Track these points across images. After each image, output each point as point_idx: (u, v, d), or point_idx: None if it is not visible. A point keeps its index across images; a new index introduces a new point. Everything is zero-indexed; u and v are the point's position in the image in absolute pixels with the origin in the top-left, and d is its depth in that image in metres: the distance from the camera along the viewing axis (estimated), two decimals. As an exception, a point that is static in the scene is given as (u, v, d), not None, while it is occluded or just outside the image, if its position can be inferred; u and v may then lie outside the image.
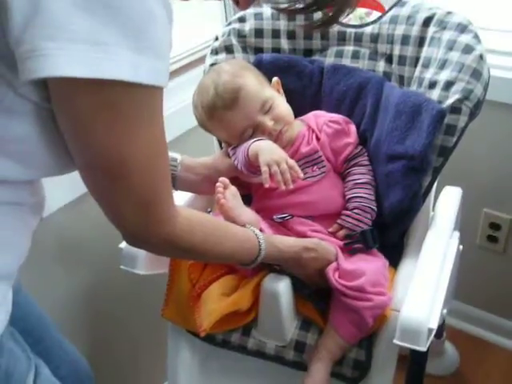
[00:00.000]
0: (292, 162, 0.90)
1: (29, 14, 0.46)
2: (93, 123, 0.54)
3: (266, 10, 1.15)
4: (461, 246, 1.08)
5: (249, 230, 0.86)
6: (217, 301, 0.95)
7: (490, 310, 1.57)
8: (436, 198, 1.05)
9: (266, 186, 0.89)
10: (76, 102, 0.52)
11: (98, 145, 0.55)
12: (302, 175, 0.90)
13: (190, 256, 0.87)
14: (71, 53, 0.47)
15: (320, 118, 1.04)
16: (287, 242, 0.90)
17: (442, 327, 1.41)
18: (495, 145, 1.37)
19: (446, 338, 1.49)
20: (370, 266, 0.92)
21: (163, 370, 1.10)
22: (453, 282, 1.00)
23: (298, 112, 1.07)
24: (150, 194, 0.62)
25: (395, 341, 0.80)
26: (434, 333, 0.83)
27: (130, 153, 0.57)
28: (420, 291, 0.83)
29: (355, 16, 1.21)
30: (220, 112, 0.97)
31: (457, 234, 1.01)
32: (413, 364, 0.97)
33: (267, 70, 1.09)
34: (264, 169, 0.89)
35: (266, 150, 0.92)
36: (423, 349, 0.79)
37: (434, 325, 0.78)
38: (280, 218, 0.99)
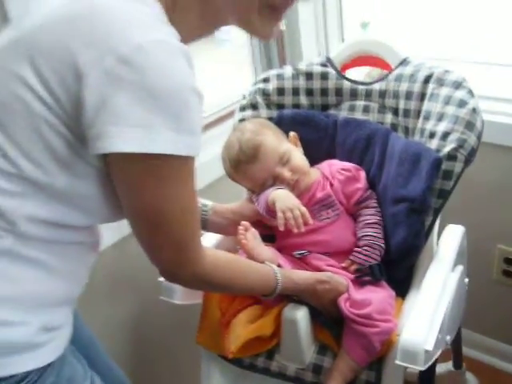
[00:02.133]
0: (304, 209, 1.04)
1: (99, 107, 0.64)
2: (140, 186, 0.70)
3: (287, 71, 1.31)
4: (466, 279, 1.18)
5: (267, 266, 0.99)
6: (243, 327, 1.09)
7: (509, 342, 1.64)
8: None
9: (281, 229, 1.03)
10: (129, 170, 0.69)
11: (143, 201, 0.71)
12: (311, 221, 1.05)
13: (216, 290, 1.03)
14: (127, 135, 0.64)
15: (333, 167, 1.18)
16: (302, 276, 1.03)
17: (459, 358, 1.49)
18: (498, 184, 1.47)
19: (467, 368, 1.56)
20: (378, 296, 1.03)
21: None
22: (457, 311, 1.10)
23: (315, 160, 1.21)
24: (182, 240, 0.77)
25: (397, 361, 0.91)
26: (434, 356, 0.94)
27: (167, 207, 0.72)
28: (418, 317, 0.94)
29: (369, 75, 1.37)
30: (244, 166, 1.13)
31: (460, 268, 1.11)
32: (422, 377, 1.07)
33: (288, 123, 1.24)
34: (279, 215, 1.04)
35: (281, 198, 1.07)
36: (421, 368, 0.90)
37: (430, 347, 0.89)
38: (299, 254, 1.12)
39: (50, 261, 0.74)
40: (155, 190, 0.70)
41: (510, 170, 1.44)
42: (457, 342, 1.40)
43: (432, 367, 1.03)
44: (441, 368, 1.55)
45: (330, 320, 1.06)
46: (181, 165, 0.70)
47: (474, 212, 1.49)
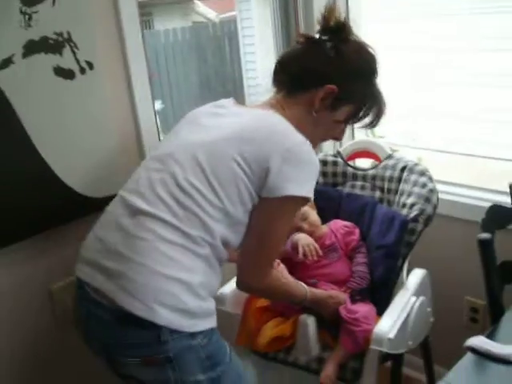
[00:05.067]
0: (316, 245, 1.60)
1: (276, 175, 1.18)
2: (275, 219, 1.23)
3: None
4: (429, 309, 1.66)
5: (300, 285, 1.50)
6: (270, 330, 1.60)
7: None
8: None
9: (301, 256, 1.56)
10: (270, 206, 1.22)
11: (265, 225, 1.23)
12: (321, 253, 1.59)
13: (271, 296, 1.52)
14: (290, 185, 1.20)
15: (338, 224, 1.73)
16: (319, 293, 1.54)
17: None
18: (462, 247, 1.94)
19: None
20: (364, 308, 1.54)
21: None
22: (419, 327, 1.57)
23: (326, 220, 1.76)
24: (270, 259, 1.28)
25: (371, 346, 1.41)
26: (398, 348, 1.42)
27: (276, 234, 1.24)
28: (385, 319, 1.45)
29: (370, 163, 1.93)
30: None
31: (422, 298, 1.59)
32: (393, 365, 1.55)
33: (308, 194, 1.80)
34: (300, 249, 1.59)
35: (302, 238, 1.63)
36: (387, 350, 1.39)
37: (392, 336, 1.39)
38: (312, 281, 1.64)
39: (216, 267, 1.23)
40: (279, 222, 1.23)
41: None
42: (431, 375, 1.85)
43: (399, 360, 1.52)
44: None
45: (331, 324, 1.56)
46: (300, 202, 1.25)
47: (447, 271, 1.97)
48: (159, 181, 1.20)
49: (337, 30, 1.30)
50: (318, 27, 1.33)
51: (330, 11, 1.30)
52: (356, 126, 1.43)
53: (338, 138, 1.42)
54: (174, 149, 1.25)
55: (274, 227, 1.24)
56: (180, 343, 1.13)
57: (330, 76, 1.28)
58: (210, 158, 1.20)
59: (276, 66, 1.37)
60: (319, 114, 1.31)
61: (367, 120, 1.37)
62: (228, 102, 1.35)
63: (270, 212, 1.23)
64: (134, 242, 1.15)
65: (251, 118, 1.28)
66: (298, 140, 1.23)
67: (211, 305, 1.22)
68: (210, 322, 1.20)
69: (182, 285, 1.14)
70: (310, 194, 1.23)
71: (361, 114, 1.35)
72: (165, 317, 1.11)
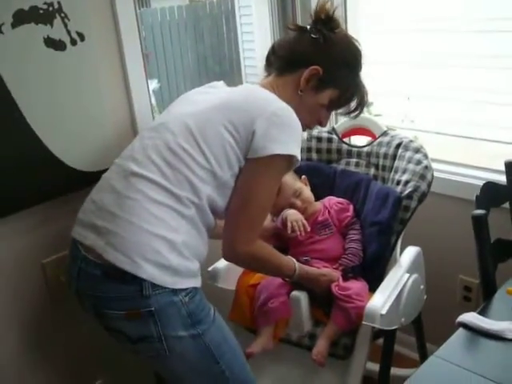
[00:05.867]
0: (305, 221, 1.59)
1: (262, 135, 1.24)
2: (259, 178, 1.27)
3: (304, 136, 1.87)
4: (422, 286, 1.66)
5: (291, 259, 1.49)
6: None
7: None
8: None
9: (289, 231, 1.56)
10: (257, 165, 1.26)
11: (255, 188, 1.27)
12: (309, 228, 1.59)
13: (258, 268, 1.50)
14: (275, 146, 1.24)
15: (331, 201, 1.72)
16: (311, 270, 1.54)
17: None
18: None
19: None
20: (356, 285, 1.54)
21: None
22: (412, 305, 1.57)
23: (320, 197, 1.75)
24: (255, 221, 1.29)
25: (363, 322, 1.41)
26: (391, 324, 1.42)
27: (260, 193, 1.27)
28: (377, 295, 1.44)
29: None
30: None
31: (415, 275, 1.59)
32: (385, 342, 1.55)
33: (303, 171, 1.77)
34: (289, 224, 1.58)
35: (291, 213, 1.62)
36: (378, 326, 1.39)
37: (384, 312, 1.38)
38: (304, 259, 1.63)
39: (202, 231, 1.28)
40: (265, 179, 1.27)
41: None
42: (423, 353, 1.84)
43: (391, 337, 1.52)
44: (410, 372, 1.98)
45: (323, 300, 1.55)
46: (286, 162, 1.28)
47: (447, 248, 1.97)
48: (151, 146, 1.28)
49: (327, 22, 1.40)
50: (310, 21, 1.42)
51: (321, 6, 1.40)
52: (340, 113, 1.53)
53: (322, 122, 1.48)
54: (167, 119, 1.34)
55: (258, 186, 1.28)
56: (162, 298, 1.20)
57: (316, 58, 1.38)
58: (200, 124, 1.27)
59: (269, 51, 1.47)
60: (304, 93, 1.39)
61: (350, 107, 1.47)
62: (219, 84, 1.46)
63: (254, 171, 1.28)
64: (125, 201, 1.23)
65: (238, 90, 1.42)
66: (281, 105, 1.31)
67: (195, 266, 1.27)
68: (194, 282, 1.26)
69: (167, 243, 1.21)
70: (297, 153, 1.28)
71: (343, 100, 1.44)
72: (148, 271, 1.18)
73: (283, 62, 1.41)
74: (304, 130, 1.41)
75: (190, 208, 1.24)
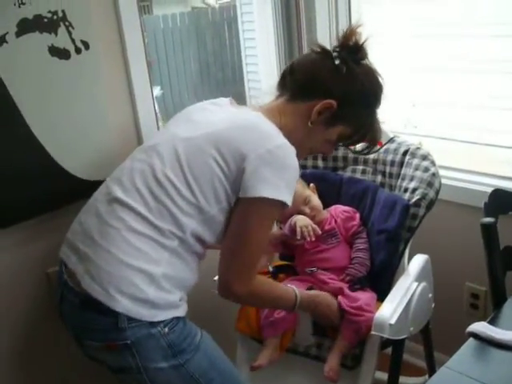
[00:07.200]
0: (315, 226, 1.56)
1: (252, 173, 1.17)
2: (249, 217, 1.21)
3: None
4: (430, 295, 1.64)
5: (290, 289, 1.42)
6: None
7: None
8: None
9: (298, 237, 1.54)
10: (249, 208, 1.20)
11: (244, 227, 1.21)
12: (319, 232, 1.56)
13: (256, 305, 1.50)
14: (265, 187, 1.17)
15: (338, 209, 1.70)
16: (306, 294, 1.47)
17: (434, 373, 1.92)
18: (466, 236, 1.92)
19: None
20: (364, 296, 1.52)
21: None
22: (420, 313, 1.55)
23: (326, 205, 1.73)
24: (251, 262, 1.24)
25: (372, 332, 1.39)
26: (399, 334, 1.40)
27: (251, 237, 1.21)
28: (386, 305, 1.42)
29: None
30: None
31: (423, 284, 1.57)
32: (394, 351, 1.52)
33: (308, 179, 1.76)
34: (298, 229, 1.55)
35: (300, 219, 1.59)
36: (387, 336, 1.37)
37: (393, 322, 1.36)
38: (309, 270, 1.62)
39: (189, 260, 1.24)
40: (259, 224, 1.21)
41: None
42: (431, 362, 1.82)
43: (400, 346, 1.50)
44: (418, 380, 1.97)
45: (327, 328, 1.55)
46: (280, 208, 1.21)
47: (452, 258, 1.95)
48: (139, 171, 1.24)
49: (354, 50, 1.31)
50: (335, 43, 1.33)
51: (351, 30, 1.30)
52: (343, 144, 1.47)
53: (326, 153, 1.46)
54: (159, 141, 1.30)
55: (249, 230, 1.22)
56: (139, 331, 1.17)
57: (333, 90, 1.29)
58: (189, 154, 1.23)
59: (286, 69, 1.38)
60: (314, 127, 1.31)
61: (358, 145, 1.43)
62: (224, 101, 1.38)
63: (244, 213, 1.22)
64: (105, 228, 1.21)
65: (239, 119, 1.29)
66: (280, 142, 1.23)
67: (175, 297, 1.23)
68: (173, 313, 1.22)
69: (145, 275, 1.18)
70: (288, 200, 1.22)
71: (354, 138, 1.38)
72: (123, 304, 1.16)
73: (298, 86, 1.33)
74: (303, 157, 1.38)
75: (173, 240, 1.20)
